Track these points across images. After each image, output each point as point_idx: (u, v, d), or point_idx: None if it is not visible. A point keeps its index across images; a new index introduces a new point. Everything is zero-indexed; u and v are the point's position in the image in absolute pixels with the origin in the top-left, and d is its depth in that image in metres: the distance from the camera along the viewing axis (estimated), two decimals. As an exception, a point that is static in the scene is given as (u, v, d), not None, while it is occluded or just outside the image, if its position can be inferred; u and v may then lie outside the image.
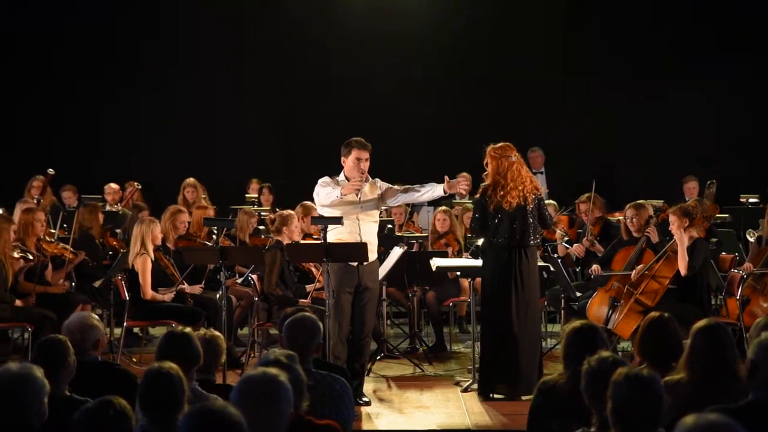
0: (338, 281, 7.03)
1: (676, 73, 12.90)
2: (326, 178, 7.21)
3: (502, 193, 7.14)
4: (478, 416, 6.74)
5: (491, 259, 7.27)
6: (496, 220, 7.16)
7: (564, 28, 13.17)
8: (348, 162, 7.16)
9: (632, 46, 13.14)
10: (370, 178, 7.26)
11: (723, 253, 8.97)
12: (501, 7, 13.23)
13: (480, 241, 7.65)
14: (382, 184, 7.27)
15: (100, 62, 13.22)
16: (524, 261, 7.17)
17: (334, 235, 7.02)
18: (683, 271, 7.61)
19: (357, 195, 7.10)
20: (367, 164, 7.17)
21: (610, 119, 13.12)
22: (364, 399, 7.07)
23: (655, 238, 8.00)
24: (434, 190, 7.08)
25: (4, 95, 13.08)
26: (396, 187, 7.27)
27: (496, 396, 7.17)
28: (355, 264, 7.01)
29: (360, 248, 7.18)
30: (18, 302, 8.03)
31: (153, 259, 8.29)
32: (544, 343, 9.08)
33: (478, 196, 7.34)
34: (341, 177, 7.21)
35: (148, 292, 8.20)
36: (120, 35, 13.24)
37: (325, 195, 7.11)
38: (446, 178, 6.94)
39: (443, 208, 9.76)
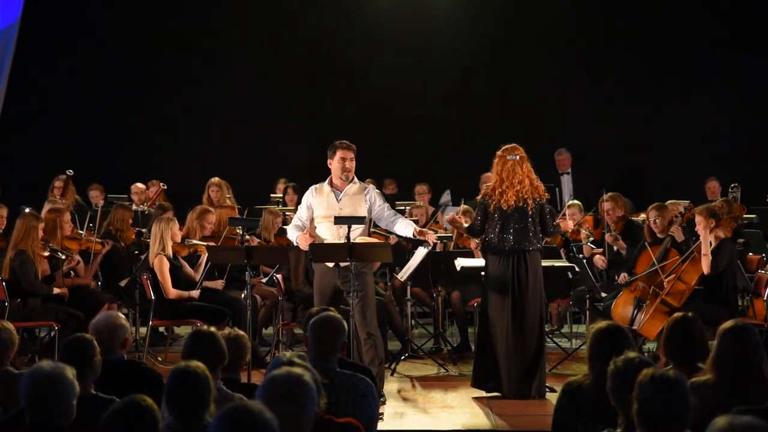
0: (318, 282, 7.27)
1: (704, 74, 12.82)
2: (305, 196, 7.46)
3: (500, 190, 7.13)
4: (503, 417, 6.71)
5: (489, 263, 7.26)
6: (496, 220, 7.15)
7: (590, 28, 13.13)
8: (333, 163, 7.32)
9: (657, 47, 13.08)
10: (358, 182, 7.38)
11: (750, 253, 8.91)
12: (527, 7, 13.20)
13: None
14: (374, 196, 7.32)
15: (126, 62, 13.28)
16: (523, 267, 7.13)
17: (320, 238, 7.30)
18: (706, 270, 7.58)
19: (338, 200, 7.28)
20: (353, 164, 7.31)
21: (637, 120, 13.06)
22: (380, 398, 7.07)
23: (679, 237, 7.96)
24: (407, 230, 7.20)
25: (30, 94, 13.17)
26: (388, 212, 7.32)
27: (518, 396, 7.15)
28: (332, 266, 7.15)
29: (384, 248, 7.23)
30: (56, 290, 8.11)
31: (171, 257, 8.29)
32: (568, 344, 9.08)
33: (480, 197, 7.32)
34: (326, 182, 7.37)
35: (171, 291, 8.23)
36: (146, 35, 13.29)
37: (289, 234, 7.45)
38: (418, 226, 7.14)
39: (464, 207, 9.66)
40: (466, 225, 7.56)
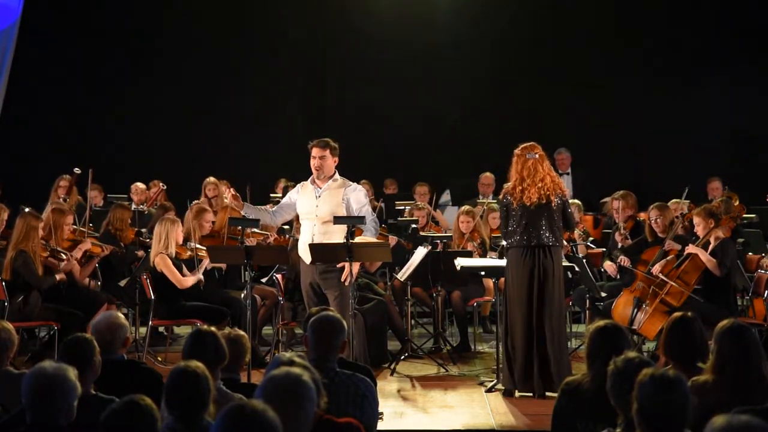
0: (301, 281, 7.52)
1: (703, 73, 12.83)
2: (293, 190, 7.65)
3: (521, 188, 7.12)
4: (503, 416, 6.72)
5: (514, 258, 7.23)
6: (519, 217, 7.13)
7: (588, 29, 13.13)
8: (311, 161, 7.49)
9: (658, 46, 13.09)
10: (340, 179, 7.47)
11: (750, 253, 8.91)
12: (527, 7, 13.21)
13: (504, 242, 7.64)
14: (353, 197, 7.40)
15: (126, 62, 13.29)
16: (549, 261, 7.11)
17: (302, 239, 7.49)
18: (717, 272, 7.57)
19: (316, 197, 7.37)
20: (323, 162, 7.40)
21: (638, 120, 13.07)
22: None
23: (674, 249, 7.97)
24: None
25: (30, 94, 13.17)
26: (362, 218, 7.38)
27: (519, 396, 7.15)
28: (309, 264, 7.33)
29: (383, 248, 7.26)
30: (59, 276, 8.12)
31: (172, 257, 8.28)
32: (568, 344, 9.07)
33: (501, 197, 7.32)
34: (309, 180, 7.53)
35: (184, 281, 8.25)
36: (145, 35, 13.29)
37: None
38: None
39: (466, 208, 9.66)
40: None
